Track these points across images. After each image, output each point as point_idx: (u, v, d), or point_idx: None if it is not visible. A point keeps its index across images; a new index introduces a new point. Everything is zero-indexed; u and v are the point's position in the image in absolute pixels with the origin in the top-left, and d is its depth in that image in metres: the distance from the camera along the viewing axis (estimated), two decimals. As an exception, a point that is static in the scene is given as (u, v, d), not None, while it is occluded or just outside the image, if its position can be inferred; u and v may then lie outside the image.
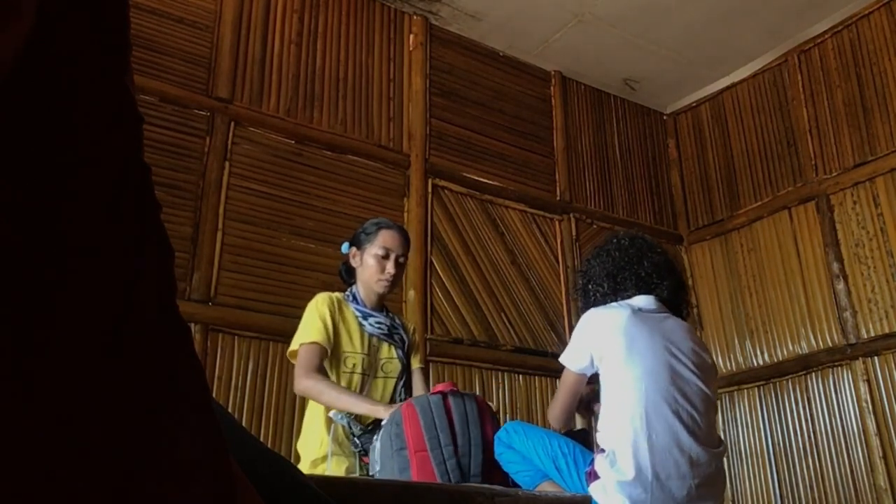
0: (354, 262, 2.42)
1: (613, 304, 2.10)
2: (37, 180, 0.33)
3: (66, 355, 0.33)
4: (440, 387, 2.05)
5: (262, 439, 2.54)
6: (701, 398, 1.96)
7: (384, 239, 2.37)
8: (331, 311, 2.29)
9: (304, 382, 2.17)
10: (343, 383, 2.26)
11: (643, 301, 2.10)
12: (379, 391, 2.32)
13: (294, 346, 2.28)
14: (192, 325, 3.01)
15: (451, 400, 2.01)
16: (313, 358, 2.20)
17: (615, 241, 2.26)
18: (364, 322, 2.35)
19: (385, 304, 2.49)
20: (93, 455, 0.33)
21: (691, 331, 2.12)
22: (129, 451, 0.35)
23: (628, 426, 1.88)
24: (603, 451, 1.92)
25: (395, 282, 2.39)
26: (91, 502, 0.33)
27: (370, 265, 2.36)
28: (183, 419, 0.39)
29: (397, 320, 2.48)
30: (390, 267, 2.35)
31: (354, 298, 2.39)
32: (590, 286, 2.22)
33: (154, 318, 0.38)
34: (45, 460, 0.31)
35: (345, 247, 2.48)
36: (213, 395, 2.15)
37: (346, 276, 2.49)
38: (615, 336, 1.98)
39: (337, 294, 2.40)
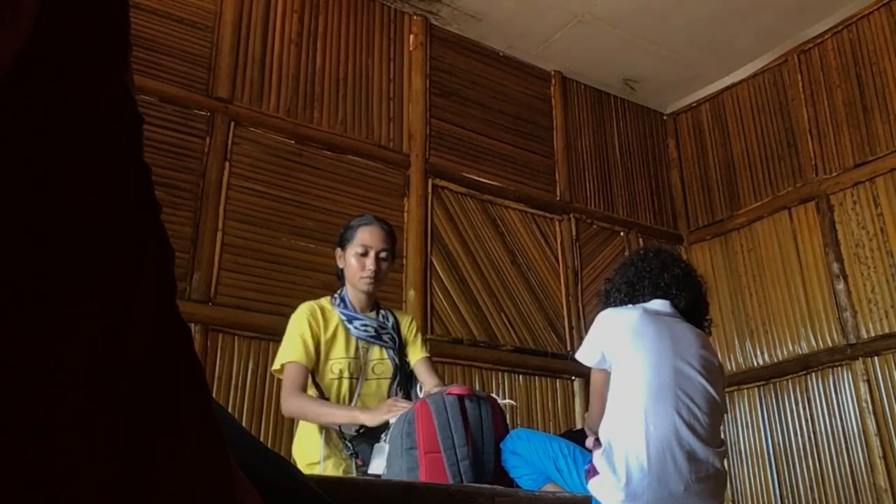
0: (340, 264, 2.44)
1: (628, 305, 2.17)
2: (36, 180, 0.33)
3: (64, 355, 0.33)
4: (456, 389, 2.02)
5: (262, 439, 2.54)
6: (705, 398, 1.98)
7: (362, 236, 2.38)
8: (310, 324, 2.29)
9: (287, 403, 2.21)
10: (332, 389, 2.27)
11: (658, 305, 2.15)
12: (372, 393, 2.32)
13: (276, 364, 2.29)
14: (192, 325, 3.01)
15: (466, 403, 2.00)
16: (296, 378, 2.22)
17: (641, 252, 2.35)
18: (349, 326, 2.35)
19: (378, 301, 2.49)
20: (93, 455, 0.33)
21: (702, 335, 2.16)
22: (128, 452, 0.35)
23: (627, 417, 1.92)
24: (601, 446, 1.94)
25: (379, 278, 2.38)
26: (92, 502, 0.33)
27: (352, 264, 2.37)
28: (183, 419, 0.39)
29: (390, 319, 2.45)
30: (370, 263, 2.35)
31: (343, 301, 2.39)
32: (611, 292, 2.29)
33: (154, 318, 0.38)
34: (46, 461, 0.31)
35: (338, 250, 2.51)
36: (213, 395, 2.15)
37: (341, 278, 2.50)
38: (624, 333, 2.05)
39: (321, 300, 2.40)
